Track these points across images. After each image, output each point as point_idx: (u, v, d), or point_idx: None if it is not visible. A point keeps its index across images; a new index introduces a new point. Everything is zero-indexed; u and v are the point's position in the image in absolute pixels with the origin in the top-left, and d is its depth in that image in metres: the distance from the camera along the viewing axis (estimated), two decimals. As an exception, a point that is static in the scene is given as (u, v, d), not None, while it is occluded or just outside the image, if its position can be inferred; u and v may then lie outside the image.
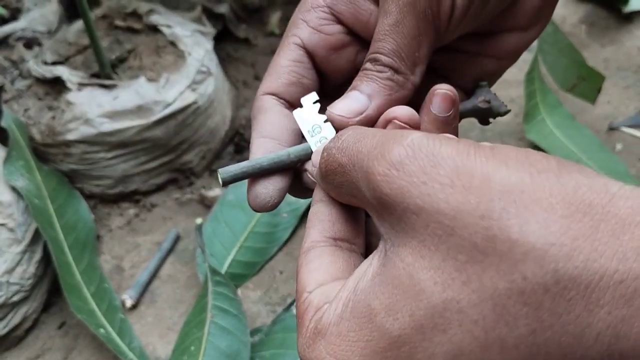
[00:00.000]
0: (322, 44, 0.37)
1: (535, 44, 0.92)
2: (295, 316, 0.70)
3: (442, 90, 0.33)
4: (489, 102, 0.39)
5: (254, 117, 0.37)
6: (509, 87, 1.01)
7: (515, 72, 1.03)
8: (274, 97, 0.36)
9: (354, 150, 0.27)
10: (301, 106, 0.36)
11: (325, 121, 0.35)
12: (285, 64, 0.37)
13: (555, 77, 0.85)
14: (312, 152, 0.35)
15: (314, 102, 0.36)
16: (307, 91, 0.38)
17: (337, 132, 0.33)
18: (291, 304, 0.71)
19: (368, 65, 0.34)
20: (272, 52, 1.08)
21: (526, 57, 1.03)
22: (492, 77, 0.40)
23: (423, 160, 0.23)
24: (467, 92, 0.40)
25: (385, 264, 0.24)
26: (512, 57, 0.40)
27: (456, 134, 0.37)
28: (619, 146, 0.91)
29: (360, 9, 0.36)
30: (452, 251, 0.22)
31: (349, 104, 0.34)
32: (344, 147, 0.28)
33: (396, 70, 0.34)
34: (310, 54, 0.37)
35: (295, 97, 0.37)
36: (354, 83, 0.34)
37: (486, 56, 0.39)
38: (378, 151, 0.25)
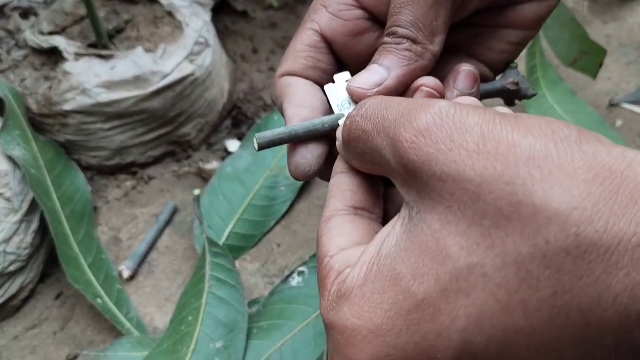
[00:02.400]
0: (341, 30, 0.37)
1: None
2: (292, 287, 0.70)
3: (466, 68, 0.35)
4: (517, 84, 0.39)
5: (280, 95, 0.37)
6: (509, 63, 1.00)
7: (516, 48, 1.03)
8: (294, 76, 0.37)
9: (379, 118, 0.27)
10: (333, 82, 0.36)
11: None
12: (302, 49, 0.37)
13: (557, 51, 0.84)
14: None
15: (347, 80, 0.36)
16: (325, 75, 0.38)
17: None
18: (289, 276, 0.71)
19: (386, 39, 0.34)
20: (270, 25, 1.07)
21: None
22: (518, 47, 0.41)
23: (450, 127, 0.24)
24: (492, 67, 0.41)
25: (412, 230, 0.25)
26: (535, 27, 0.40)
27: None
28: (619, 122, 0.91)
29: None
30: (477, 217, 0.22)
31: (367, 77, 0.34)
32: (369, 115, 0.28)
33: (414, 41, 0.34)
34: (327, 40, 0.37)
35: (314, 80, 0.38)
36: (373, 58, 0.35)
37: (508, 28, 0.40)
38: (405, 119, 0.25)
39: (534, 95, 0.40)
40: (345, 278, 0.27)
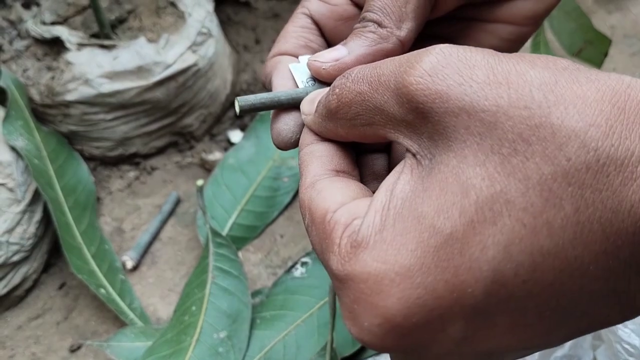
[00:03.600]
0: (329, 14, 0.38)
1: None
2: (296, 278, 0.70)
3: None
4: None
5: (269, 71, 0.37)
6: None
7: (520, 38, 1.02)
8: (286, 55, 0.37)
9: (374, 75, 0.27)
10: (299, 61, 0.36)
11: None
12: (294, 30, 0.38)
13: (562, 41, 0.84)
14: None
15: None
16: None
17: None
18: (292, 266, 0.71)
19: (356, 24, 0.35)
20: (273, 16, 1.07)
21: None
22: (513, 44, 0.40)
23: (456, 63, 0.24)
24: None
25: (425, 175, 0.25)
26: (532, 23, 0.40)
27: None
28: (623, 113, 0.90)
29: None
30: (495, 145, 0.23)
31: (326, 53, 0.35)
32: (360, 77, 0.28)
33: (379, 24, 0.34)
34: (317, 24, 0.38)
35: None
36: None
37: (503, 23, 0.39)
38: (405, 66, 0.25)
39: None
40: (358, 228, 0.26)
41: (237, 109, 0.34)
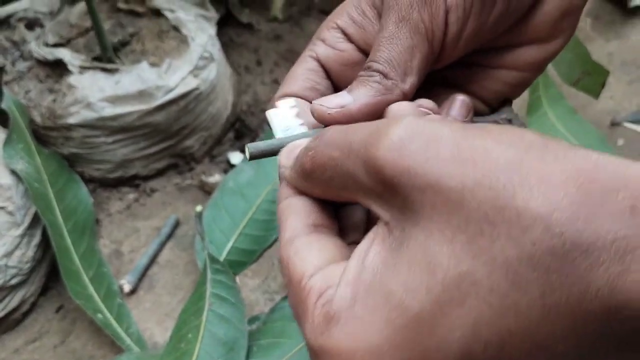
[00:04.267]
0: (336, 59, 0.39)
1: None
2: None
3: (461, 97, 0.36)
4: (510, 121, 0.40)
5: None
6: (512, 80, 1.01)
7: (519, 65, 1.03)
8: (293, 97, 0.38)
9: (345, 142, 0.27)
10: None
11: (302, 124, 0.36)
12: (301, 72, 0.39)
13: (560, 70, 0.85)
14: None
15: (291, 107, 0.36)
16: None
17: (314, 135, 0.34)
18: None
19: (361, 72, 0.36)
20: (274, 37, 1.08)
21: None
22: (516, 88, 0.41)
23: (422, 139, 0.24)
24: (490, 104, 0.41)
25: (395, 248, 0.25)
26: (536, 69, 0.40)
27: None
28: (620, 142, 0.91)
29: (367, 33, 0.38)
30: (462, 224, 0.23)
31: (331, 98, 0.35)
32: (333, 141, 0.28)
33: (385, 75, 0.35)
34: (325, 67, 0.39)
35: (310, 101, 0.39)
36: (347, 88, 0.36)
37: (507, 69, 0.40)
38: (375, 137, 0.25)
39: None
40: (331, 299, 0.26)
41: (247, 156, 0.34)
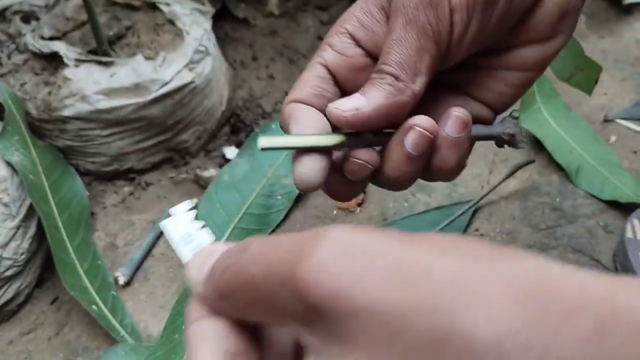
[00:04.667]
0: (344, 65, 0.40)
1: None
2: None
3: (457, 113, 0.36)
4: (513, 135, 0.40)
5: (286, 119, 0.39)
6: (506, 76, 1.01)
7: (513, 61, 1.04)
8: (300, 103, 0.39)
9: (266, 261, 0.24)
10: (169, 215, 0.34)
11: (203, 227, 0.33)
12: (309, 79, 0.40)
13: (553, 66, 0.85)
14: (351, 143, 0.37)
15: (188, 210, 0.34)
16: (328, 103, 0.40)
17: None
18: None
19: (373, 75, 0.37)
20: (270, 33, 1.08)
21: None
22: (519, 88, 0.42)
23: (352, 257, 0.21)
24: (493, 107, 0.42)
25: None
26: (538, 69, 0.41)
27: (467, 154, 0.39)
28: (613, 138, 0.92)
29: (376, 36, 0.39)
30: (405, 352, 0.20)
31: (346, 101, 0.37)
32: (254, 259, 0.25)
33: (396, 78, 0.36)
34: (332, 73, 0.40)
35: (318, 108, 0.40)
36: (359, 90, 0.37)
37: (508, 69, 0.41)
38: (297, 254, 0.22)
39: (523, 148, 0.42)
40: None
41: (259, 146, 0.36)
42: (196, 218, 0.72)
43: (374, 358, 0.20)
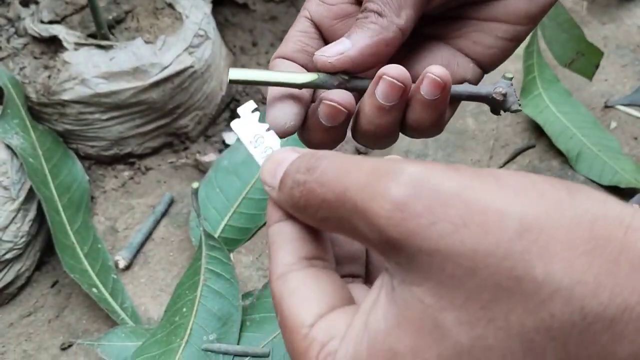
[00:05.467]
0: (327, 14, 0.39)
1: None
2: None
3: (432, 75, 0.34)
4: (505, 95, 0.39)
5: None
6: (506, 61, 1.01)
7: (514, 47, 1.03)
8: (284, 59, 0.39)
9: (340, 187, 0.25)
10: (239, 117, 0.35)
11: (268, 129, 0.34)
12: (293, 34, 0.39)
13: (554, 51, 0.85)
14: (322, 82, 0.36)
15: (253, 111, 0.35)
16: (312, 58, 0.39)
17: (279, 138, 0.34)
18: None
19: (358, 15, 0.36)
20: (270, 18, 1.07)
21: (526, 32, 1.03)
22: (507, 42, 0.41)
23: (427, 198, 0.22)
24: (481, 63, 0.41)
25: (399, 303, 0.23)
26: (527, 22, 0.40)
27: (445, 114, 0.38)
28: (613, 124, 0.92)
29: None
30: (474, 291, 0.21)
31: (331, 47, 0.36)
32: (325, 181, 0.26)
33: (380, 14, 0.35)
34: (317, 26, 0.40)
35: (301, 63, 0.39)
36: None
37: (497, 21, 0.40)
38: (373, 189, 0.23)
39: (519, 110, 0.40)
40: (334, 352, 0.25)
41: (229, 78, 0.35)
42: (197, 201, 0.72)
43: (446, 292, 0.22)
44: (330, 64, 0.35)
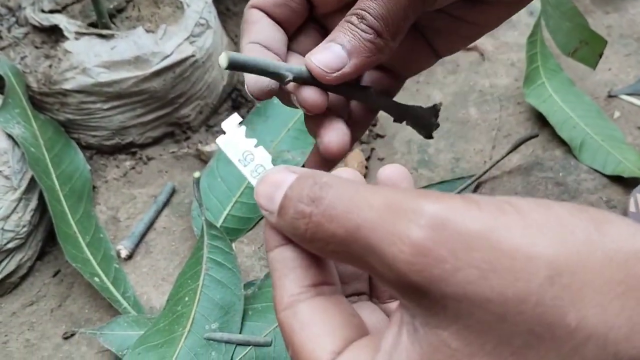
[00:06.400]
0: None
1: (538, 7, 0.91)
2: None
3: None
4: (437, 112, 0.41)
5: (243, 27, 0.38)
6: (509, 51, 1.00)
7: (517, 36, 1.03)
8: (262, 11, 0.37)
9: (351, 224, 0.24)
10: (224, 133, 0.33)
11: (256, 145, 0.32)
12: None
13: (557, 40, 0.84)
14: (307, 75, 0.35)
15: (239, 125, 0.33)
16: (292, 14, 0.38)
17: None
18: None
19: (354, 19, 0.34)
20: (272, 7, 1.07)
21: (529, 21, 1.02)
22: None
23: (451, 242, 0.21)
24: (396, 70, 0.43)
25: (423, 346, 0.23)
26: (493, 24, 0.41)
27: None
28: (617, 114, 0.91)
29: None
30: (505, 337, 0.21)
31: (328, 57, 0.34)
32: (334, 216, 0.24)
33: (379, 34, 0.34)
34: None
35: (281, 18, 0.38)
36: (335, 34, 0.35)
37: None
38: (389, 231, 0.22)
39: (429, 137, 0.42)
40: None
41: (224, 63, 0.32)
42: (199, 190, 0.72)
43: (475, 337, 0.21)
44: (327, 80, 0.34)
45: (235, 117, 0.33)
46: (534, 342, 0.20)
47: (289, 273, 0.28)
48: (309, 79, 0.35)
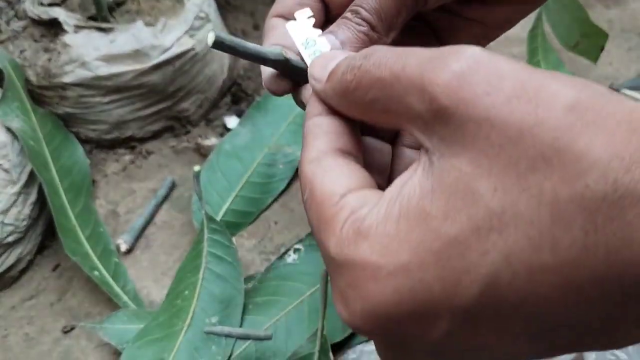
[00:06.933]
0: None
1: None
2: (288, 264, 0.71)
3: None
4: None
5: (264, 34, 0.39)
6: (511, 45, 1.00)
7: (518, 30, 1.02)
8: (282, 18, 0.38)
9: (399, 65, 0.26)
10: (295, 19, 0.36)
11: (320, 35, 0.35)
12: None
13: (559, 34, 0.84)
14: (305, 66, 0.35)
15: (308, 17, 0.36)
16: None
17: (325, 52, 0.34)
18: (284, 253, 0.72)
19: (348, 14, 0.35)
20: (272, 1, 1.06)
21: (530, 15, 1.02)
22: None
23: (486, 72, 0.24)
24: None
25: (436, 173, 0.25)
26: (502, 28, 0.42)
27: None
28: (618, 108, 0.91)
29: None
30: (513, 159, 0.23)
31: (326, 62, 0.35)
32: (384, 62, 0.27)
33: (373, 28, 0.35)
34: None
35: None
36: (330, 28, 0.36)
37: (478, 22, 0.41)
38: (435, 64, 0.25)
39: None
40: (363, 217, 0.26)
41: (210, 41, 0.32)
42: (199, 184, 0.72)
43: (486, 160, 0.23)
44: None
45: (307, 11, 0.36)
46: (540, 166, 0.22)
47: (322, 136, 0.30)
48: (293, 65, 0.35)
